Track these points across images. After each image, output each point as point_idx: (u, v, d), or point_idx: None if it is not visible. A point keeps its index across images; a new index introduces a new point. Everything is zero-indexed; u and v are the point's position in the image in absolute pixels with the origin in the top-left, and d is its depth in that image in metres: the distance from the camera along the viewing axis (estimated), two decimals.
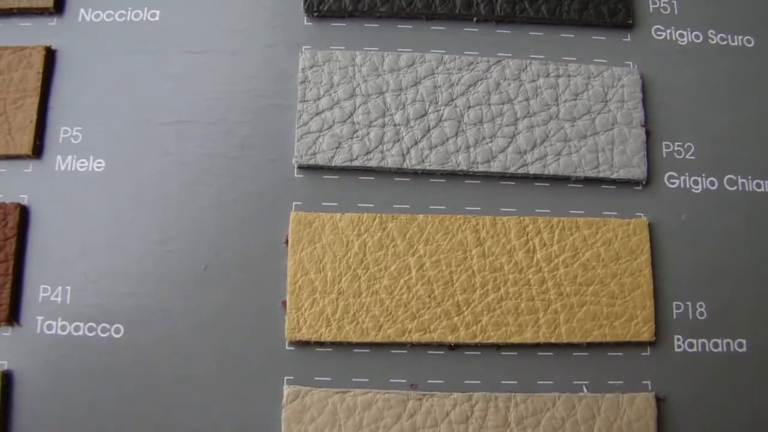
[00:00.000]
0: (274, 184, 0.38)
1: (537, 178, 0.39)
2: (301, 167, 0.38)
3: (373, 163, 0.37)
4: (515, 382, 0.37)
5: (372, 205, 0.38)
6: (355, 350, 0.36)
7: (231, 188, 0.38)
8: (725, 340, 0.38)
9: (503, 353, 0.37)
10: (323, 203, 0.38)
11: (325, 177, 0.38)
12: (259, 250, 0.37)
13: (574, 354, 0.37)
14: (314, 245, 0.37)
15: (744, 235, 0.39)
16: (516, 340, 0.36)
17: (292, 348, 0.36)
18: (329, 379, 0.36)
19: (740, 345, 0.38)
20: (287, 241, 0.37)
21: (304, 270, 0.36)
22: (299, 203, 0.38)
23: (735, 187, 0.40)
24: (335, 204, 0.38)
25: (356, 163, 0.37)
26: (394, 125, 0.38)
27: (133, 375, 0.36)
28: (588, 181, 0.39)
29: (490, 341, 0.36)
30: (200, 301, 0.36)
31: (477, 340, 0.36)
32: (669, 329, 0.38)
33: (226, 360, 0.36)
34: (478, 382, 0.37)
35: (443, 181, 0.38)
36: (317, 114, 0.38)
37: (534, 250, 0.37)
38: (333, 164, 0.37)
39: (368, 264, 0.37)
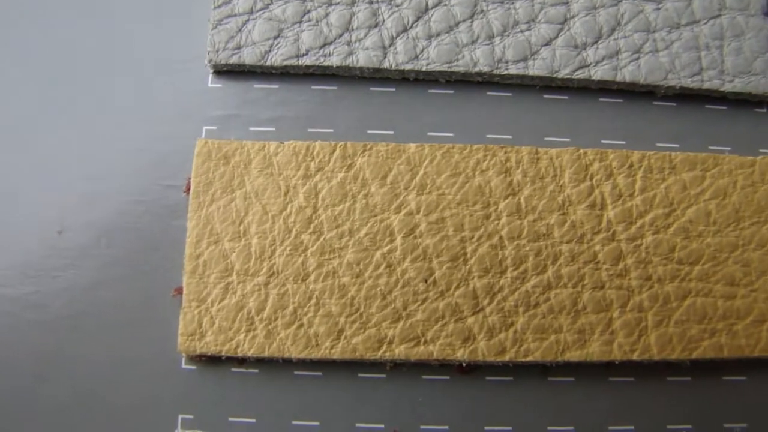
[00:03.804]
0: (177, 97, 0.19)
1: (604, 89, 0.20)
2: (218, 71, 0.20)
3: (335, 61, 0.19)
4: (571, 428, 0.19)
5: (331, 131, 0.19)
6: (297, 372, 0.18)
7: (111, 104, 0.19)
8: None
9: (551, 379, 0.18)
10: (252, 128, 0.19)
11: (256, 86, 0.19)
12: (146, 206, 0.18)
13: (670, 380, 0.19)
14: (231, 194, 0.19)
15: None
16: (573, 357, 0.18)
17: (191, 367, 0.18)
18: (252, 420, 0.18)
19: None
20: (188, 188, 0.19)
21: (213, 235, 0.18)
22: (212, 128, 0.19)
23: None
24: (271, 129, 0.19)
25: (306, 62, 0.19)
26: (370, 2, 0.20)
27: None
28: (684, 96, 0.20)
29: (529, 359, 0.18)
30: (49, 287, 0.18)
31: (507, 358, 0.18)
32: None
33: (89, 385, 0.17)
34: (509, 428, 0.18)
35: (450, 92, 0.19)
36: None
37: (603, 205, 0.19)
38: (268, 63, 0.19)
39: (321, 225, 0.18)
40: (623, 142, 0.20)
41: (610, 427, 0.18)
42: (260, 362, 0.18)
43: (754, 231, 0.19)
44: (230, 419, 0.18)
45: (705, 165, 0.19)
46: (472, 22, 0.19)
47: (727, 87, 0.20)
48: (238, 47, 0.19)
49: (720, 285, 0.19)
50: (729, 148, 0.20)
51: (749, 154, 0.20)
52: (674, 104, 0.20)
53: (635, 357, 0.18)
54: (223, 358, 0.18)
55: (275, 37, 0.19)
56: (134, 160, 0.19)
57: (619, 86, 0.20)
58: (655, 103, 0.20)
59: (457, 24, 0.19)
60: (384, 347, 0.17)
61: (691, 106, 0.20)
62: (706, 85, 0.20)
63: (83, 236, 0.19)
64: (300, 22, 0.19)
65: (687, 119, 0.20)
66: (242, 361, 0.18)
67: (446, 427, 0.18)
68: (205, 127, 0.19)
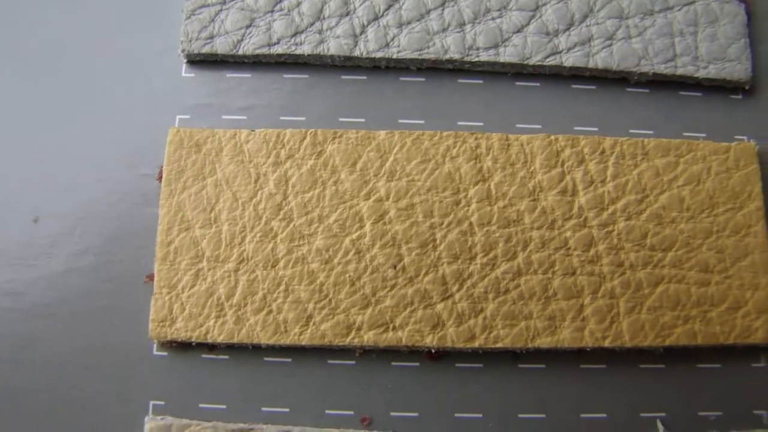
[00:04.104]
0: (152, 87, 0.19)
1: (577, 76, 0.20)
2: (191, 60, 0.19)
3: (306, 50, 0.19)
4: (542, 416, 0.18)
5: (303, 119, 0.19)
6: (267, 359, 0.18)
7: (87, 95, 0.19)
8: None
9: (522, 366, 0.18)
10: (224, 116, 0.19)
11: (229, 75, 0.19)
12: (120, 194, 0.18)
13: (642, 367, 0.18)
14: (203, 182, 0.18)
15: None
16: (544, 344, 0.17)
17: (163, 353, 0.18)
18: (223, 407, 0.17)
19: None
20: (161, 176, 0.19)
21: (184, 222, 0.18)
22: (186, 116, 0.19)
23: None
24: (243, 118, 0.19)
25: (278, 50, 0.19)
26: None
27: None
28: (658, 83, 0.20)
29: (499, 346, 0.18)
30: (26, 276, 0.18)
31: (477, 345, 0.18)
32: None
33: (63, 371, 0.17)
34: (479, 415, 0.18)
35: (421, 79, 0.19)
36: None
37: (575, 191, 0.18)
38: (240, 53, 0.19)
39: (291, 212, 0.18)
40: (596, 129, 0.19)
41: (582, 415, 0.18)
42: (230, 348, 0.18)
43: (728, 217, 0.19)
44: (201, 405, 0.17)
45: (678, 151, 0.19)
46: (443, 9, 0.19)
47: (702, 73, 0.20)
48: (211, 37, 0.19)
49: (694, 271, 0.18)
50: (704, 135, 0.20)
51: (724, 140, 0.20)
52: (648, 91, 0.20)
53: (607, 344, 0.18)
54: (194, 344, 0.18)
55: (247, 27, 0.19)
56: (109, 150, 0.19)
57: (592, 73, 0.19)
58: (629, 89, 0.20)
59: (428, 12, 0.19)
60: (353, 333, 0.17)
61: (665, 93, 0.20)
62: (680, 71, 0.19)
63: (59, 225, 0.19)
64: (272, 11, 0.19)
65: (661, 106, 0.20)
66: (212, 348, 0.18)
67: (416, 414, 0.17)
68: (178, 116, 0.19)
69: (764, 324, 0.18)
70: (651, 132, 0.19)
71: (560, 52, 0.19)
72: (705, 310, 0.18)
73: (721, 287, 0.18)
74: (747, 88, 0.20)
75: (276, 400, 0.17)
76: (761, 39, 0.21)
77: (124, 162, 0.19)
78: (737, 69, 0.20)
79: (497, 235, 0.18)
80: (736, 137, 0.20)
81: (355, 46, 0.19)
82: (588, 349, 0.18)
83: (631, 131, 0.19)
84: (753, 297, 0.18)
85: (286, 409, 0.17)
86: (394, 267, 0.18)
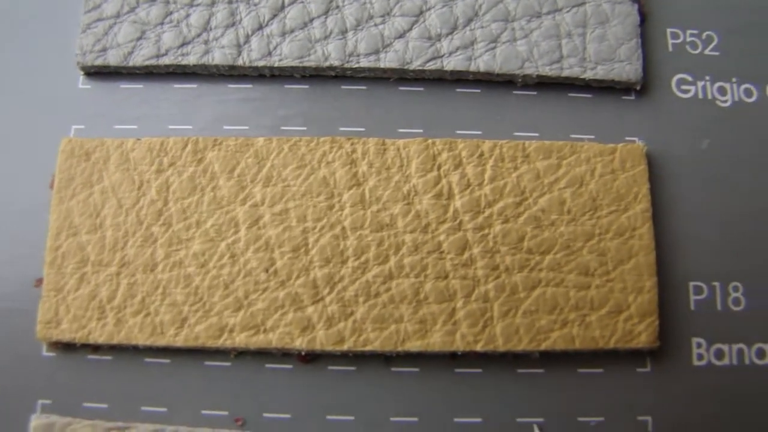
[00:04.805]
0: (50, 98, 0.19)
1: (461, 80, 0.19)
2: (87, 73, 0.20)
3: (192, 60, 0.19)
4: (415, 419, 0.18)
5: (190, 128, 0.19)
6: (147, 360, 0.18)
7: None
8: None
9: (394, 369, 0.18)
10: (117, 126, 0.19)
11: (122, 86, 0.19)
12: (16, 202, 0.19)
13: (520, 372, 0.18)
14: (90, 189, 0.19)
15: None
16: (414, 347, 0.17)
17: (52, 354, 0.18)
18: (105, 406, 0.18)
19: None
20: (53, 184, 0.19)
21: (72, 228, 0.18)
22: (81, 127, 0.20)
23: None
24: (134, 127, 0.19)
25: (165, 61, 0.19)
26: (229, 2, 0.20)
27: None
28: (546, 85, 0.19)
29: (370, 349, 0.18)
30: None
31: (347, 347, 0.17)
32: (684, 328, 0.18)
33: None
34: (351, 418, 0.18)
35: (305, 86, 0.19)
36: None
37: (450, 195, 0.18)
38: (131, 64, 0.19)
39: (171, 217, 0.18)
40: (479, 132, 0.19)
41: (456, 419, 0.17)
42: (114, 349, 0.18)
43: (612, 220, 0.18)
44: (85, 405, 0.18)
45: (561, 153, 0.19)
46: (326, 17, 0.19)
47: (589, 74, 0.19)
48: (104, 49, 0.19)
49: (573, 275, 0.18)
50: (592, 137, 0.19)
51: (614, 142, 0.19)
52: (535, 93, 0.19)
53: (479, 348, 0.17)
54: (78, 345, 0.18)
55: (138, 39, 0.19)
56: (5, 159, 0.19)
57: (475, 76, 0.19)
58: (515, 92, 0.19)
59: (311, 20, 0.19)
60: (225, 335, 0.17)
61: (552, 95, 0.19)
62: (566, 73, 0.19)
63: None
64: (162, 23, 0.19)
65: (548, 108, 0.19)
66: (96, 349, 0.18)
67: (288, 415, 0.17)
68: (74, 126, 0.19)
69: (647, 328, 0.18)
70: (536, 134, 0.19)
71: (442, 57, 0.19)
72: (584, 314, 0.18)
73: (602, 291, 0.18)
74: (638, 88, 0.19)
75: (155, 400, 0.18)
76: (655, 38, 0.20)
77: (20, 171, 0.19)
78: (627, 70, 0.19)
79: (369, 239, 0.18)
80: (626, 138, 0.19)
81: (239, 55, 0.19)
82: (459, 353, 0.18)
83: (516, 134, 0.19)
84: (636, 300, 0.18)
85: (164, 409, 0.18)
86: (266, 271, 0.18)
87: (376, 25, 0.19)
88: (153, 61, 0.19)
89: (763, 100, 0.20)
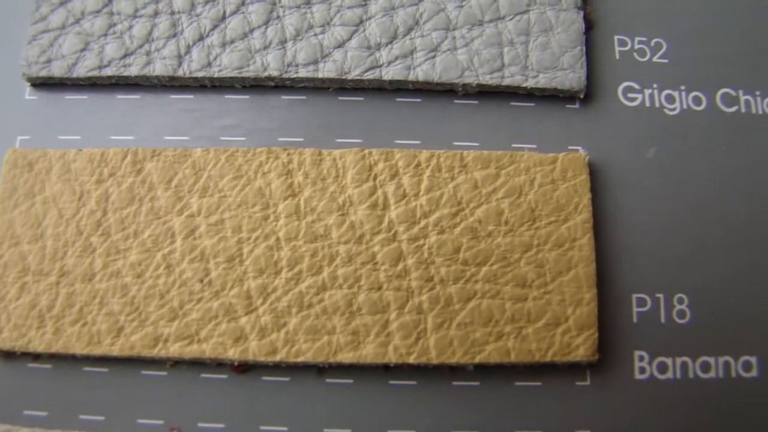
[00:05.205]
0: None
1: (402, 89, 0.19)
2: (33, 84, 0.20)
3: (133, 71, 0.19)
4: (348, 431, 0.18)
5: (132, 138, 0.19)
6: (85, 369, 0.18)
7: None
8: (723, 359, 0.18)
9: (328, 381, 0.18)
10: (60, 136, 0.19)
11: (67, 97, 0.20)
12: None
13: (455, 384, 0.18)
14: (33, 199, 0.19)
15: (749, 184, 0.19)
16: (346, 359, 0.17)
17: None
18: (44, 414, 0.18)
19: (747, 366, 0.18)
20: None
21: (13, 238, 0.18)
22: (27, 137, 0.20)
23: (734, 108, 0.20)
24: (77, 138, 0.20)
25: (108, 72, 0.19)
26: (172, 13, 0.20)
27: None
28: (488, 94, 0.19)
29: (302, 360, 0.17)
30: None
31: (279, 358, 0.17)
32: (626, 341, 0.18)
33: None
34: (285, 428, 0.18)
35: (245, 97, 0.19)
36: (62, 4, 0.21)
37: (386, 205, 0.18)
38: (75, 75, 0.19)
39: (109, 228, 0.18)
40: (418, 142, 0.19)
41: (389, 431, 0.17)
42: (54, 358, 0.18)
43: (551, 230, 0.18)
44: (25, 413, 0.18)
45: (500, 163, 0.18)
46: (266, 28, 0.19)
47: (531, 83, 0.19)
48: (49, 60, 0.19)
49: (510, 287, 0.18)
50: (534, 146, 0.19)
51: (557, 151, 0.19)
52: (476, 102, 0.19)
53: (411, 360, 0.17)
54: (18, 353, 0.18)
55: (82, 50, 0.19)
56: None
57: (414, 86, 0.19)
58: (456, 101, 0.19)
59: (251, 31, 0.19)
60: (160, 345, 0.17)
61: (494, 104, 0.19)
62: (507, 82, 0.19)
63: None
64: (106, 35, 0.19)
65: (489, 117, 0.19)
66: (37, 357, 0.18)
67: (222, 425, 0.17)
68: (19, 137, 0.20)
69: (586, 341, 0.17)
70: (477, 144, 0.19)
71: (381, 66, 0.19)
72: (520, 327, 0.17)
73: (539, 303, 0.18)
74: (582, 97, 0.19)
75: (93, 408, 0.18)
76: (603, 46, 0.20)
77: None
78: (570, 78, 0.19)
79: (303, 249, 0.18)
80: (570, 148, 0.19)
81: (179, 66, 0.19)
82: (392, 365, 0.17)
83: (456, 144, 0.19)
84: (575, 313, 0.18)
85: (102, 417, 0.18)
86: (201, 281, 0.18)
87: (315, 35, 0.19)
88: (96, 73, 0.19)
89: (712, 108, 0.20)
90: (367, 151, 0.18)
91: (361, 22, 0.19)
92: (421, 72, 0.19)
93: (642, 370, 0.18)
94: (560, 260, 0.18)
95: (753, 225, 0.19)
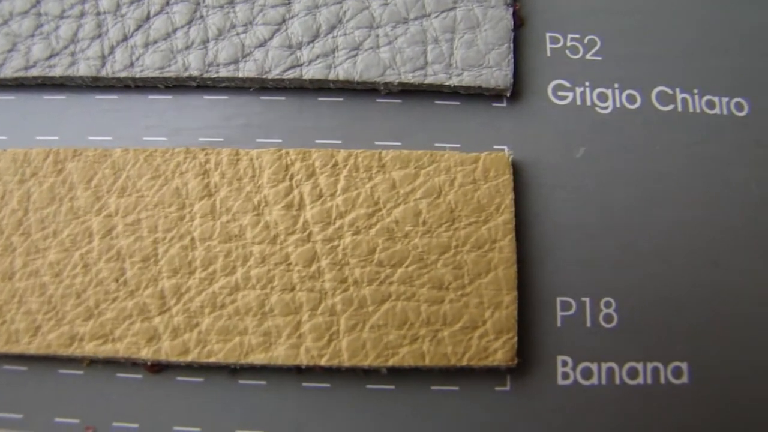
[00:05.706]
0: None
1: (323, 88, 0.19)
2: None
3: (58, 71, 0.19)
4: None
5: (56, 138, 0.20)
6: (5, 367, 0.18)
7: None
8: (651, 365, 0.18)
9: (241, 382, 0.18)
10: None
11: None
12: None
13: (370, 388, 0.18)
14: None
15: (683, 184, 0.18)
16: (258, 360, 0.17)
17: None
18: None
19: (678, 372, 0.18)
20: None
21: None
22: None
23: (670, 106, 0.19)
24: (4, 138, 0.19)
25: (33, 73, 0.19)
26: (98, 14, 0.20)
27: None
28: (412, 92, 0.18)
29: (214, 360, 0.17)
30: None
31: (191, 358, 0.17)
32: (549, 346, 0.17)
33: None
34: (198, 429, 0.18)
35: (168, 97, 0.19)
36: None
37: (301, 205, 0.18)
38: (1, 76, 0.19)
39: (30, 227, 0.18)
40: (340, 142, 0.18)
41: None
42: None
43: (470, 231, 0.18)
44: None
45: (420, 162, 0.18)
46: (189, 27, 0.19)
47: (455, 81, 0.18)
48: None
49: (425, 289, 0.17)
50: (458, 145, 0.19)
51: (482, 150, 0.18)
52: (399, 101, 0.19)
53: (323, 362, 0.17)
54: None
55: (9, 51, 0.19)
56: None
57: (336, 84, 0.18)
58: (379, 100, 0.19)
59: (174, 30, 0.19)
60: (75, 344, 0.17)
61: (417, 103, 0.19)
62: (429, 80, 0.18)
63: None
64: (33, 35, 0.20)
65: (412, 116, 0.19)
66: None
67: (137, 425, 0.17)
68: None
69: (504, 345, 0.17)
70: (399, 144, 0.19)
71: (301, 65, 0.18)
72: (436, 330, 0.17)
73: (456, 305, 0.17)
74: (509, 95, 0.19)
75: (11, 407, 0.18)
76: (533, 43, 0.19)
77: None
78: (496, 75, 0.18)
79: (217, 249, 0.18)
80: (495, 147, 0.19)
81: (103, 66, 0.19)
82: (304, 368, 0.17)
83: (377, 143, 0.18)
84: (493, 316, 0.17)
85: (21, 416, 0.18)
86: (117, 280, 0.18)
87: (237, 34, 0.19)
88: (22, 73, 0.19)
89: (647, 106, 0.19)
90: (284, 150, 0.18)
91: (284, 21, 0.19)
92: (341, 71, 0.18)
93: (565, 376, 0.18)
94: (480, 262, 0.18)
95: (684, 227, 0.18)
